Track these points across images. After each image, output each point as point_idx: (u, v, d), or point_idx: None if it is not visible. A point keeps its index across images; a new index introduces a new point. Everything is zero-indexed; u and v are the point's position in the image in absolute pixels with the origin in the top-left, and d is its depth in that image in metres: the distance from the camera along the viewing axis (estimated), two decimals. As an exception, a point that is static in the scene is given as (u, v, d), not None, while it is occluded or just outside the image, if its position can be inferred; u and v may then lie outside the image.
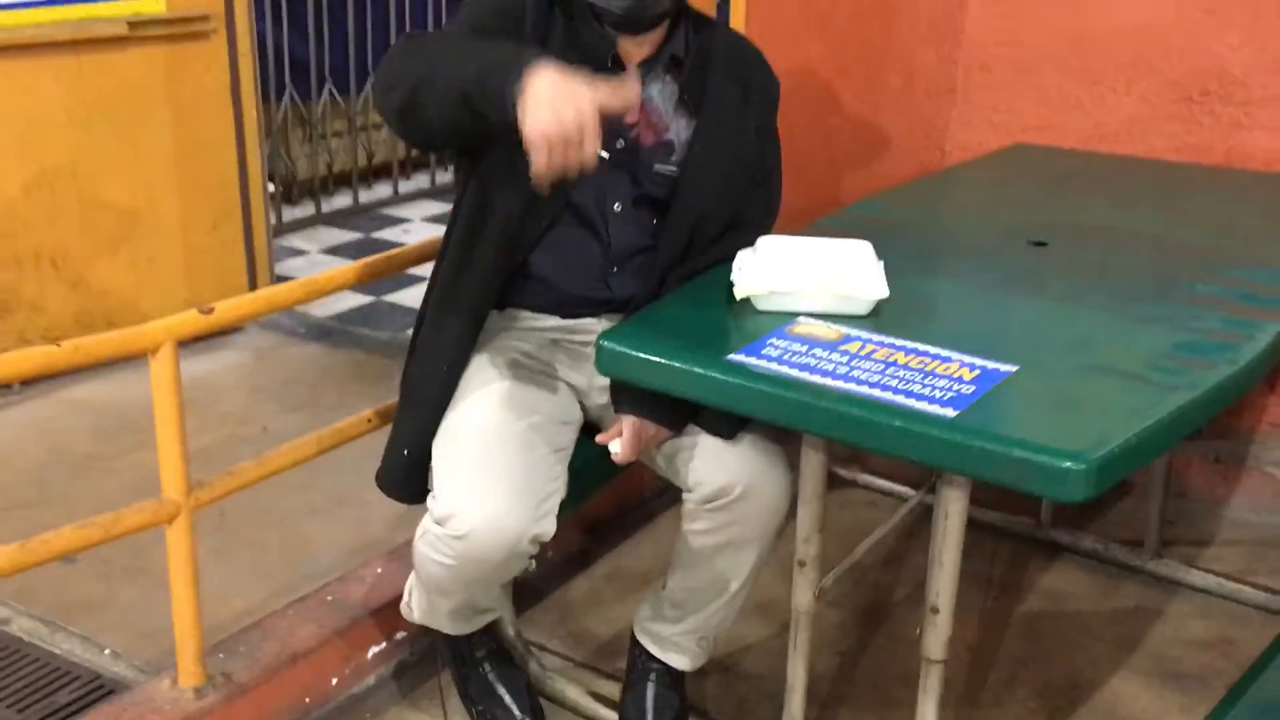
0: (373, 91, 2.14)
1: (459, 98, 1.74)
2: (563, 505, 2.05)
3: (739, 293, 1.90)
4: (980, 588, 2.79)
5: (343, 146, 5.84)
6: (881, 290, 1.89)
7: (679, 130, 2.07)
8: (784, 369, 1.72)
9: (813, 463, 1.93)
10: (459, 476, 1.96)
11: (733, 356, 1.76)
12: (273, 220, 4.88)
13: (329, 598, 2.47)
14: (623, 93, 1.72)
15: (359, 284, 3.85)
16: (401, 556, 2.55)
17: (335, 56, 5.68)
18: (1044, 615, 2.72)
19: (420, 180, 6.30)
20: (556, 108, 1.64)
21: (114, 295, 3.90)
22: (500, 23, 1.97)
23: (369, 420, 2.33)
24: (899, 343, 1.79)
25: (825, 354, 1.76)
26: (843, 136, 3.32)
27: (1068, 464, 1.51)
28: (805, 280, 1.89)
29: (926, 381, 1.68)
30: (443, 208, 5.88)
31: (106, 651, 2.50)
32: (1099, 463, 1.51)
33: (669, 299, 2.01)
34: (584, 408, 2.19)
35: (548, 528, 1.96)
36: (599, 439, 2.03)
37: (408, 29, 5.88)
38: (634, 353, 1.82)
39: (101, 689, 2.38)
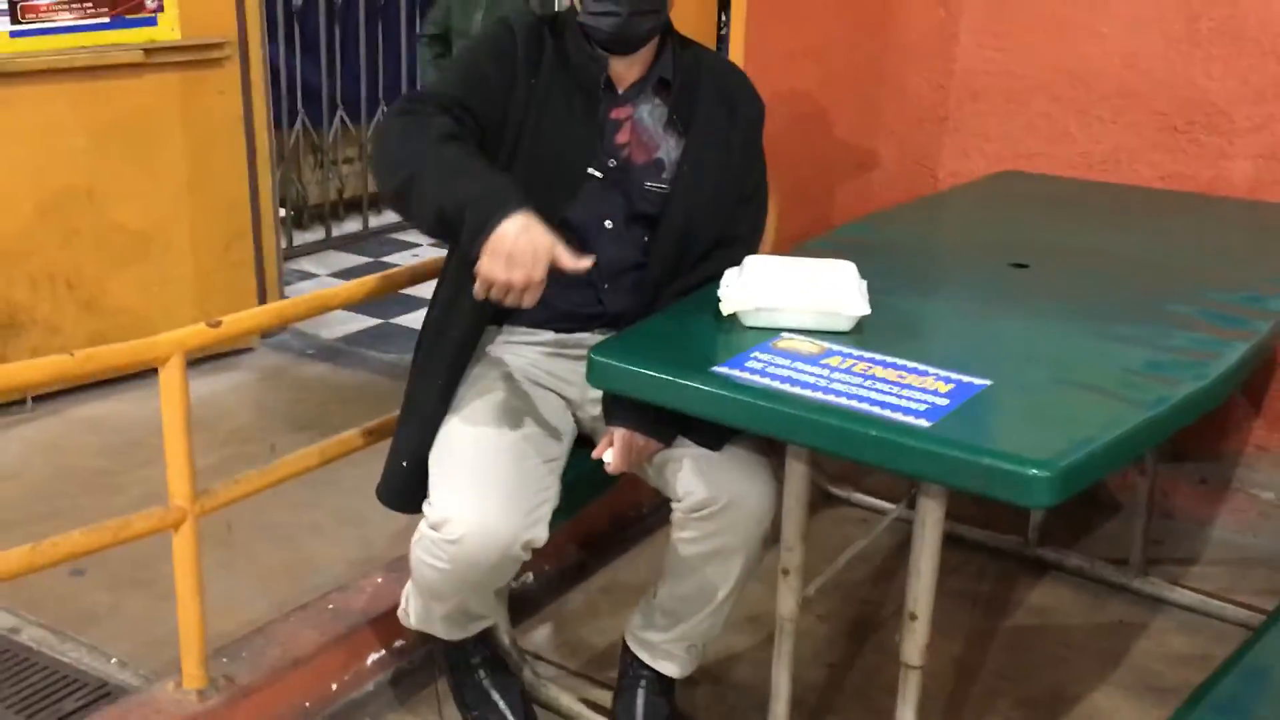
0: (370, 159, 2.22)
1: (437, 213, 1.88)
2: (557, 515, 2.12)
3: (725, 309, 1.98)
4: (967, 603, 2.85)
5: (353, 172, 5.93)
6: (863, 308, 1.96)
7: (668, 149, 2.16)
8: (767, 381, 1.79)
9: (796, 473, 2.00)
10: (454, 484, 2.03)
11: (718, 369, 1.83)
12: (283, 244, 4.97)
13: (330, 606, 2.54)
14: (580, 262, 1.85)
15: (366, 305, 3.96)
16: (401, 568, 2.59)
17: (347, 84, 5.79)
18: (1029, 630, 2.78)
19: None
20: (511, 264, 1.78)
21: (127, 315, 3.97)
22: (493, 64, 2.08)
23: (371, 433, 2.40)
24: (878, 357, 1.86)
25: (807, 367, 1.83)
26: (837, 162, 3.41)
27: (1033, 471, 1.58)
28: (789, 298, 1.97)
29: (903, 394, 1.75)
30: (450, 233, 5.96)
31: (113, 660, 2.55)
32: (1063, 471, 1.58)
33: (658, 315, 2.09)
34: (577, 420, 2.26)
35: (539, 534, 2.03)
36: (594, 454, 2.10)
37: (416, 54, 5.99)
38: (624, 366, 1.90)
39: (108, 696, 2.43)
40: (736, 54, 3.48)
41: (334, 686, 2.44)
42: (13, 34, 3.73)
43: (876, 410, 1.71)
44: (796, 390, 1.76)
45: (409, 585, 2.28)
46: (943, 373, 1.82)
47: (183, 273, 4.13)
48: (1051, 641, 2.73)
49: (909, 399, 1.74)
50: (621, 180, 2.15)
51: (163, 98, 3.99)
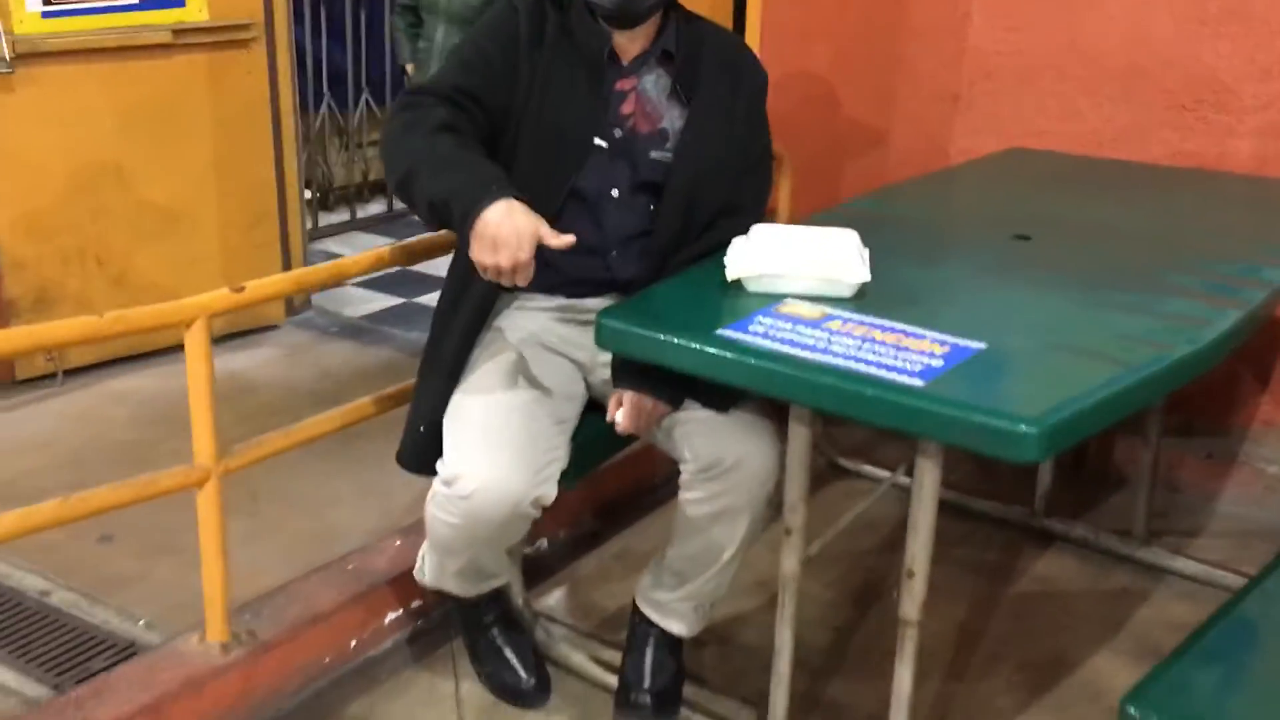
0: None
1: (429, 205, 2.00)
2: (569, 476, 2.20)
3: (730, 275, 2.04)
4: (973, 572, 2.91)
5: (378, 155, 6.00)
6: (864, 275, 2.02)
7: (672, 119, 2.23)
8: (769, 343, 1.86)
9: (799, 435, 2.06)
10: (466, 442, 2.11)
11: (722, 332, 1.89)
12: (308, 225, 5.05)
13: (349, 566, 2.62)
14: (563, 239, 1.94)
15: (389, 285, 4.04)
16: (418, 531, 2.66)
17: (373, 68, 5.86)
18: (1033, 597, 2.83)
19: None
20: (496, 247, 1.89)
21: (155, 291, 3.99)
22: (496, 44, 2.17)
23: (390, 399, 2.48)
24: (877, 321, 1.92)
25: (808, 330, 1.89)
26: (850, 140, 3.46)
27: (1022, 427, 1.64)
28: (792, 265, 2.03)
29: (900, 356, 1.82)
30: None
31: (140, 622, 2.64)
32: (1051, 427, 1.64)
33: (665, 281, 2.15)
34: (588, 384, 2.34)
35: (548, 491, 2.11)
36: (608, 416, 2.17)
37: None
38: (632, 329, 1.97)
39: (135, 656, 2.50)
40: (753, 33, 3.54)
41: (353, 643, 2.51)
42: (45, 14, 3.82)
43: (874, 370, 1.77)
44: (798, 352, 1.83)
45: (425, 544, 2.35)
46: (939, 336, 1.88)
47: (209, 251, 4.22)
48: (1054, 609, 2.79)
49: (905, 360, 1.80)
50: (627, 150, 2.22)
51: (190, 78, 4.07)
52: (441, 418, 2.22)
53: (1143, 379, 1.82)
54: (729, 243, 2.14)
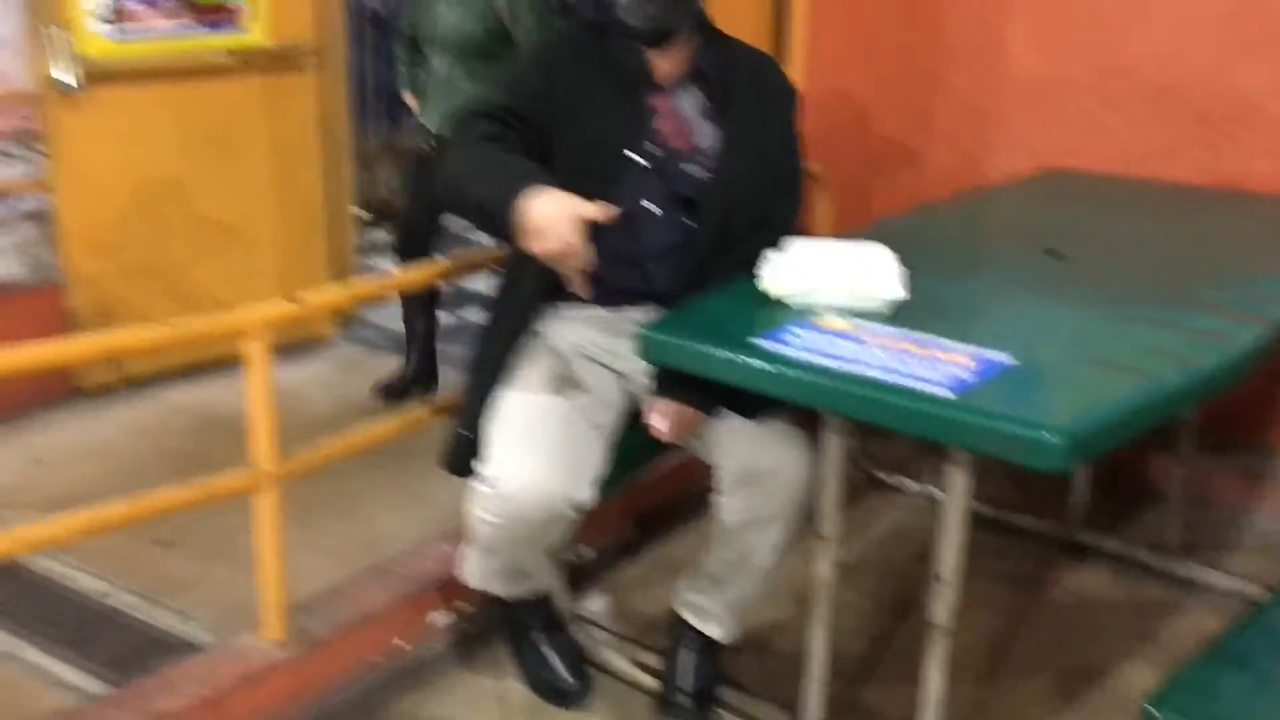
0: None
1: (478, 211, 2.15)
2: (609, 483, 2.29)
3: (766, 288, 2.12)
4: (1008, 584, 2.96)
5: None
6: (897, 289, 2.09)
7: (707, 136, 2.33)
8: (804, 354, 1.93)
9: (833, 444, 2.13)
10: (506, 444, 2.22)
11: (758, 343, 1.97)
12: (361, 243, 5.16)
13: (399, 569, 2.70)
14: (606, 210, 2.06)
15: (440, 302, 4.15)
16: (465, 535, 2.77)
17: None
18: (1066, 609, 2.88)
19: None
20: (545, 237, 2.02)
21: (212, 304, 4.06)
22: (537, 66, 2.31)
23: (440, 409, 2.57)
24: (910, 334, 1.99)
25: (842, 342, 1.96)
26: (889, 160, 3.54)
27: (1048, 436, 1.70)
28: (827, 279, 2.11)
29: (931, 367, 1.88)
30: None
31: (198, 624, 2.73)
32: (1076, 437, 1.71)
33: (703, 294, 2.23)
34: (627, 392, 2.42)
35: (585, 494, 2.20)
36: (644, 421, 2.25)
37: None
38: (671, 340, 2.05)
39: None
40: (795, 57, 3.63)
41: (401, 643, 2.60)
42: (113, 38, 3.96)
43: (906, 381, 1.84)
44: (832, 363, 1.90)
45: (468, 546, 2.44)
46: (970, 348, 1.94)
47: (265, 266, 4.34)
48: (1088, 620, 2.83)
49: (935, 371, 1.86)
50: (663, 166, 2.31)
51: (250, 99, 4.20)
52: (483, 422, 2.31)
53: (1169, 392, 1.88)
54: (764, 256, 2.22)
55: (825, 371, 1.88)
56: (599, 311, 2.40)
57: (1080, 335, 2.09)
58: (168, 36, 4.05)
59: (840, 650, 2.28)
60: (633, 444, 2.38)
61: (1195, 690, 1.78)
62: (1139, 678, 2.62)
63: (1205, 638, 2.71)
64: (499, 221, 2.08)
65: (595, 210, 2.04)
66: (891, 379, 1.84)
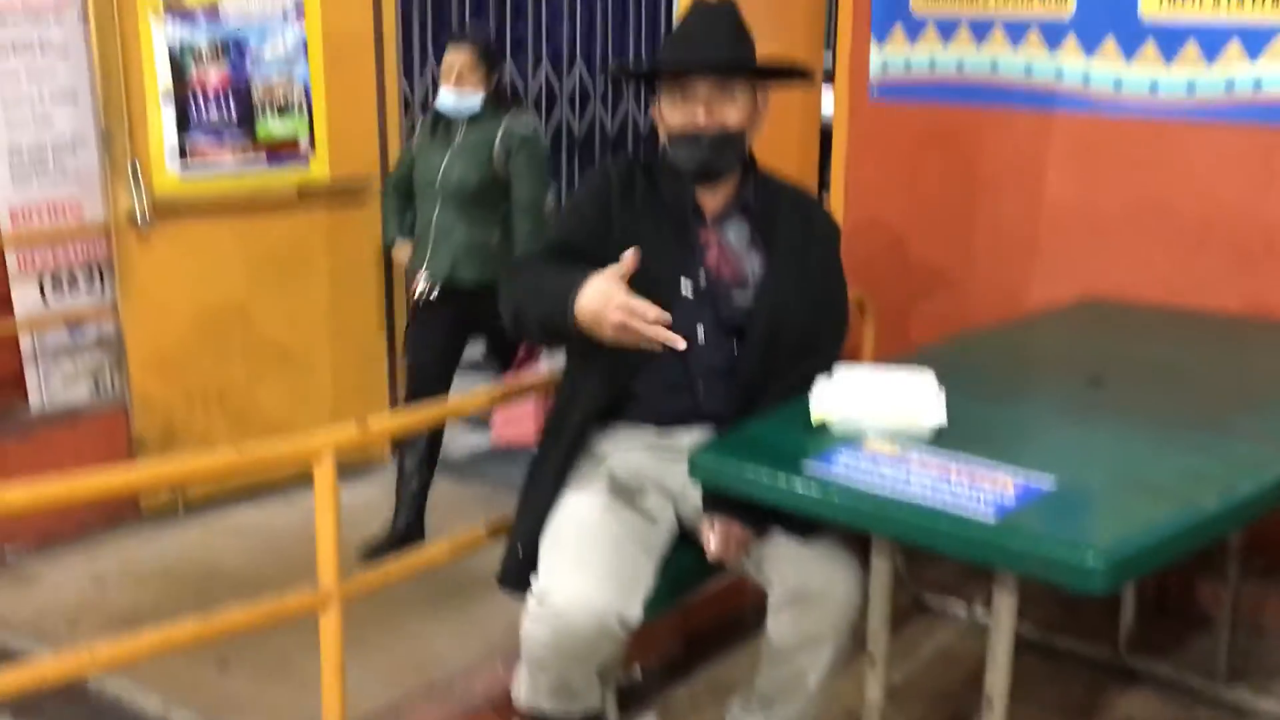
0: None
1: (541, 329, 2.28)
2: (660, 603, 2.35)
3: (815, 415, 2.20)
4: (1058, 711, 2.96)
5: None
6: (940, 415, 2.17)
7: (752, 266, 2.45)
8: (852, 478, 2.00)
9: (881, 566, 2.19)
10: (559, 562, 2.30)
11: (808, 467, 2.04)
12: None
13: (454, 690, 2.75)
14: (631, 256, 2.18)
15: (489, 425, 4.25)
16: (518, 656, 2.82)
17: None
18: (1117, 734, 2.88)
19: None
20: (601, 320, 2.12)
21: (271, 427, 4.25)
22: (591, 203, 2.45)
23: (495, 530, 2.65)
24: (953, 459, 2.06)
25: (888, 467, 2.04)
26: (930, 287, 3.63)
27: (1088, 560, 1.76)
28: (873, 405, 2.19)
29: (974, 491, 1.95)
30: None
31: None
32: (1116, 560, 1.76)
33: (754, 420, 2.31)
34: (677, 513, 2.49)
35: (634, 611, 2.26)
36: (702, 539, 2.32)
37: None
38: (723, 464, 2.13)
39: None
40: (837, 187, 3.76)
41: (456, 762, 2.64)
42: (182, 176, 4.15)
43: (949, 505, 1.90)
44: (878, 487, 1.97)
45: (520, 664, 2.49)
46: (1012, 472, 2.00)
47: (323, 390, 4.47)
48: (1138, 746, 2.83)
49: (979, 495, 1.93)
50: (711, 295, 2.43)
51: (311, 230, 4.38)
52: (538, 540, 2.39)
53: (1208, 517, 1.94)
54: (810, 380, 2.31)
55: (871, 495, 1.95)
56: (650, 433, 2.48)
57: (1120, 460, 2.15)
58: (234, 172, 4.24)
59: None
60: (683, 565, 2.45)
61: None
62: (1191, 804, 2.61)
63: (1256, 763, 2.74)
64: (564, 330, 2.18)
65: (627, 262, 2.16)
66: (935, 503, 1.91)
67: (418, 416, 2.53)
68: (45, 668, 2.21)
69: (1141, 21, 3.25)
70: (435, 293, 3.81)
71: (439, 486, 4.40)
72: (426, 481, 3.99)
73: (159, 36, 4.04)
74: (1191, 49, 3.19)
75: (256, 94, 4.27)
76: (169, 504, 4.23)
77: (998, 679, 2.08)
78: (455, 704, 2.71)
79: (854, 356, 3.11)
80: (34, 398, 4.23)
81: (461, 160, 3.76)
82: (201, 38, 4.13)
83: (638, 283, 2.37)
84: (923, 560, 3.28)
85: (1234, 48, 3.13)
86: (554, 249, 2.40)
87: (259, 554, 3.88)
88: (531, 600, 2.28)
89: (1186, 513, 1.91)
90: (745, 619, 3.27)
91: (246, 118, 4.26)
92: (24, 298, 4.15)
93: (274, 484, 4.23)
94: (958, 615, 3.36)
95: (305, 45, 4.29)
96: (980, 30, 3.51)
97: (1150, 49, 3.25)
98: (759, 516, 2.29)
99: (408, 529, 3.94)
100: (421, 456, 3.92)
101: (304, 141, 4.35)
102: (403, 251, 4.03)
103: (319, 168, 4.36)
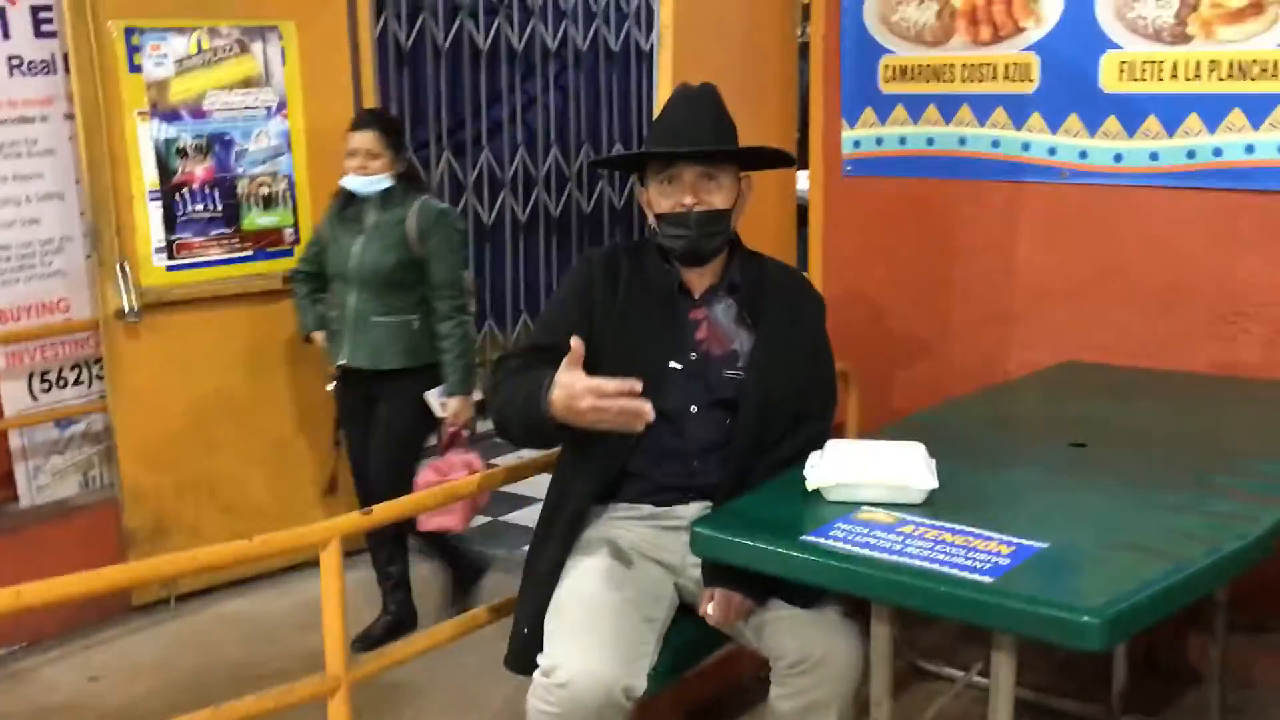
0: None
1: (527, 435, 2.42)
2: (662, 676, 2.40)
3: (810, 486, 2.26)
4: (1055, 769, 3.00)
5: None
6: (932, 483, 2.23)
7: (741, 342, 2.53)
8: (850, 547, 2.06)
9: (880, 632, 2.23)
10: (563, 637, 2.34)
11: (806, 537, 2.10)
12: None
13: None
14: (576, 345, 2.26)
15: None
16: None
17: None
18: (1114, 793, 2.91)
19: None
20: (572, 410, 2.21)
21: (261, 517, 4.23)
22: (574, 295, 2.55)
23: (496, 610, 2.69)
24: (946, 525, 2.12)
25: (884, 534, 2.09)
26: (911, 356, 3.72)
27: (1085, 618, 1.81)
28: (866, 475, 2.25)
29: (969, 555, 2.01)
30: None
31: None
32: (1112, 617, 1.82)
33: (750, 493, 2.37)
34: (677, 586, 2.54)
35: (639, 683, 2.31)
36: (700, 611, 2.38)
37: (521, 275, 6.48)
38: (724, 536, 2.18)
39: None
40: (814, 259, 3.85)
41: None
42: (170, 268, 4.22)
43: (946, 569, 1.96)
44: (876, 554, 2.03)
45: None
46: (1004, 536, 2.07)
47: (311, 478, 4.48)
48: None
49: (974, 559, 1.99)
50: (702, 371, 2.51)
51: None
52: (542, 621, 2.43)
53: (1196, 572, 1.99)
54: (802, 452, 2.38)
55: (871, 562, 2.01)
56: (648, 508, 2.53)
57: (1107, 521, 2.22)
58: (220, 264, 4.30)
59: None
60: (685, 638, 2.49)
61: None
62: None
63: (1254, 817, 2.78)
64: (547, 431, 2.29)
65: (573, 352, 2.24)
66: (933, 567, 1.97)
67: (420, 500, 2.57)
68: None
69: (1103, 96, 3.37)
70: (345, 384, 3.84)
71: (431, 568, 4.43)
72: (404, 567, 3.99)
73: (145, 135, 4.13)
74: (1152, 122, 3.31)
75: (242, 187, 4.35)
76: (160, 597, 4.23)
77: (999, 739, 2.12)
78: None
79: (839, 427, 3.18)
80: (23, 493, 4.24)
81: (374, 244, 3.72)
82: (187, 134, 4.22)
83: (629, 362, 2.45)
84: (916, 626, 3.33)
85: (1193, 120, 3.25)
86: (531, 351, 2.51)
87: (254, 643, 3.89)
88: (538, 676, 2.32)
89: (1175, 570, 1.97)
90: (743, 690, 3.31)
91: (232, 211, 4.33)
92: (13, 395, 4.18)
93: (264, 572, 4.24)
94: (952, 678, 3.40)
95: (289, 138, 4.38)
96: (948, 108, 3.63)
97: (1112, 122, 3.37)
98: (758, 586, 2.34)
99: (399, 615, 3.95)
100: (389, 548, 3.93)
101: (289, 232, 4.42)
102: (319, 339, 3.97)
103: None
